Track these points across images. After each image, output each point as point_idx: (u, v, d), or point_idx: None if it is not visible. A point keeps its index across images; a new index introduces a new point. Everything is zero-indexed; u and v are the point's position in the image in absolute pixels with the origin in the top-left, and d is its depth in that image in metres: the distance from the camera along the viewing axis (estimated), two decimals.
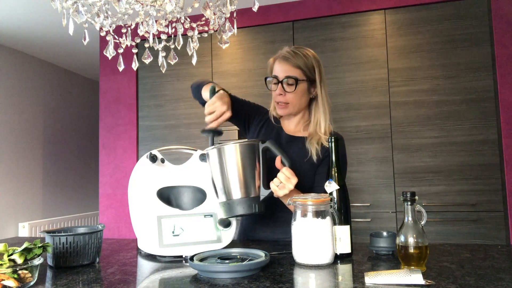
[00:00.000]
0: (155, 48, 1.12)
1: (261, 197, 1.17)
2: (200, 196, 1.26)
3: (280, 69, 1.35)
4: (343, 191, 1.11)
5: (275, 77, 1.36)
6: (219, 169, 1.17)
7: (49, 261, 1.03)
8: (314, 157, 1.33)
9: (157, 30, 1.10)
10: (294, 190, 1.15)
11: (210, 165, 1.20)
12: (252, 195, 1.16)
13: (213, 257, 1.00)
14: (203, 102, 1.44)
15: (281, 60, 1.36)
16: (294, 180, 1.13)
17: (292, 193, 1.15)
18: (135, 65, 1.16)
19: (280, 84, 1.34)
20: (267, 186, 1.17)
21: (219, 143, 1.20)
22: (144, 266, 1.05)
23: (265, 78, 1.41)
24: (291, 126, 1.44)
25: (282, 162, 1.16)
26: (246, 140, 1.19)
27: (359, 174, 2.60)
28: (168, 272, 0.97)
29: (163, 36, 1.18)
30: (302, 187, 1.25)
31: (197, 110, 2.92)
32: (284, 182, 1.12)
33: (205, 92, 1.40)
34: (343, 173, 1.27)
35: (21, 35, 3.32)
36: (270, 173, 1.19)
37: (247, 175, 1.15)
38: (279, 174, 1.14)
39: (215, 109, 1.26)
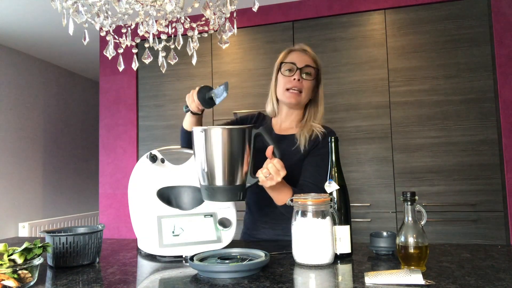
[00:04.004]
0: (155, 48, 1.12)
1: (247, 185, 1.13)
2: (200, 196, 1.26)
3: (300, 59, 1.38)
4: (343, 191, 1.11)
5: (294, 63, 1.38)
6: (204, 153, 1.10)
7: (49, 261, 1.03)
8: (302, 147, 1.34)
9: (157, 30, 1.10)
10: (281, 182, 1.15)
11: (194, 145, 1.13)
12: (236, 183, 1.11)
13: (213, 257, 1.00)
14: (188, 138, 1.41)
15: (300, 51, 1.40)
16: (283, 173, 1.12)
17: (278, 185, 1.15)
18: (135, 65, 1.16)
19: (298, 71, 1.36)
20: (253, 174, 1.14)
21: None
22: (144, 266, 1.05)
23: (281, 63, 1.41)
24: (286, 124, 1.45)
25: (273, 152, 1.13)
26: (236, 126, 1.12)
27: (359, 174, 2.60)
28: (168, 272, 0.97)
29: (163, 36, 1.18)
30: (290, 180, 1.25)
31: None
32: (273, 174, 1.11)
33: (185, 122, 1.42)
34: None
35: (21, 35, 3.32)
36: (258, 161, 1.16)
37: (233, 163, 1.09)
38: (269, 166, 1.11)
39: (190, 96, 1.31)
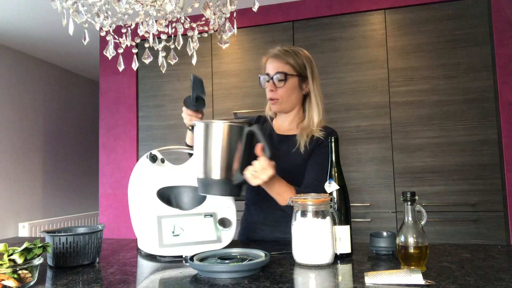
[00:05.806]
0: (155, 48, 1.12)
1: (234, 182, 1.11)
2: (200, 196, 1.26)
3: (271, 67, 1.39)
4: (343, 191, 1.11)
5: (267, 74, 1.39)
6: (203, 146, 1.12)
7: (49, 261, 1.03)
8: (302, 148, 1.34)
9: (157, 30, 1.10)
10: (279, 182, 1.17)
11: (195, 138, 1.15)
12: (229, 178, 1.11)
13: (213, 257, 1.00)
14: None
15: (272, 58, 1.40)
16: (270, 172, 1.10)
17: (278, 185, 1.16)
18: (135, 65, 1.16)
19: (271, 81, 1.37)
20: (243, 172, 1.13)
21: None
22: (144, 266, 1.05)
23: (259, 77, 1.43)
24: (285, 125, 1.45)
25: (263, 150, 1.11)
26: (236, 121, 1.13)
27: (359, 174, 2.60)
28: (168, 272, 0.97)
29: (163, 36, 1.19)
30: (294, 182, 1.25)
31: None
32: (258, 172, 1.09)
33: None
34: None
35: (21, 35, 3.32)
36: (253, 159, 1.14)
37: (226, 158, 1.10)
38: (256, 163, 1.10)
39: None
